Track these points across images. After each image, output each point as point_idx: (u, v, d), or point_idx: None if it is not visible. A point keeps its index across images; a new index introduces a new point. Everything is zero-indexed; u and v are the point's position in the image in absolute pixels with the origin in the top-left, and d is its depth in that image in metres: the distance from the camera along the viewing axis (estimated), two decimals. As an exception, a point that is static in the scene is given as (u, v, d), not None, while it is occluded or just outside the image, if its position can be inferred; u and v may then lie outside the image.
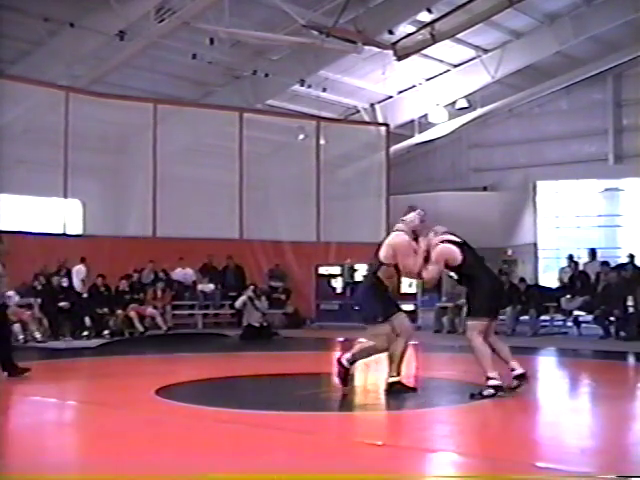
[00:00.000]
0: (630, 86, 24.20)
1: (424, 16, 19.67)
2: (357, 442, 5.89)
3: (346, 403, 7.94)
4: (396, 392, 7.96)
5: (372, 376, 9.61)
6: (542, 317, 16.94)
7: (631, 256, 17.98)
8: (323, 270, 19.36)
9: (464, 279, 8.05)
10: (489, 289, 7.91)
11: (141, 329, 16.50)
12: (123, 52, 18.53)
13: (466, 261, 7.89)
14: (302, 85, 22.03)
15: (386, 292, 8.14)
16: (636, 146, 23.83)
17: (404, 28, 20.21)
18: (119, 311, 16.54)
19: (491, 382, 7.54)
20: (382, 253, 8.00)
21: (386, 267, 7.99)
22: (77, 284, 16.87)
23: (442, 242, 7.96)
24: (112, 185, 20.00)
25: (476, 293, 7.91)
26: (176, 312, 18.36)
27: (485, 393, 7.49)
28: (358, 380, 9.08)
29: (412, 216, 8.14)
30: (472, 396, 7.50)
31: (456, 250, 7.92)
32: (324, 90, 23.09)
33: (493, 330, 8.08)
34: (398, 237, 8.03)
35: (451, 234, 8.12)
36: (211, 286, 19.08)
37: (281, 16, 18.21)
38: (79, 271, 17.07)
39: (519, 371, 7.77)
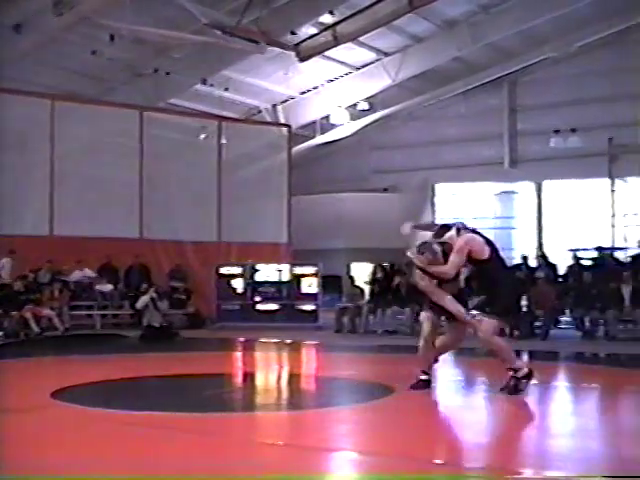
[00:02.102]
0: (524, 92, 24.93)
1: (327, 18, 19.84)
2: (259, 442, 5.92)
3: (248, 403, 7.95)
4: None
5: (272, 376, 9.64)
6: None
7: (524, 257, 18.58)
8: (224, 270, 19.27)
9: (485, 277, 7.89)
10: (514, 290, 8.04)
11: (37, 330, 16.09)
12: (19, 46, 18.03)
13: (492, 257, 7.77)
14: (204, 84, 21.88)
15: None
16: (530, 151, 24.59)
17: (307, 29, 20.34)
18: (14, 312, 16.09)
19: (520, 373, 7.66)
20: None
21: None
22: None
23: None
24: (8, 182, 19.41)
25: (501, 293, 7.82)
26: (74, 312, 17.97)
27: (521, 387, 7.63)
28: (259, 380, 9.09)
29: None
30: (503, 389, 7.65)
31: (483, 242, 7.79)
32: (226, 90, 23.01)
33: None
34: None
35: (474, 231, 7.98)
36: (109, 286, 18.77)
37: (184, 14, 18.04)
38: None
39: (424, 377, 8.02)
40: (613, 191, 19.50)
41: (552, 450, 5.77)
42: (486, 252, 7.72)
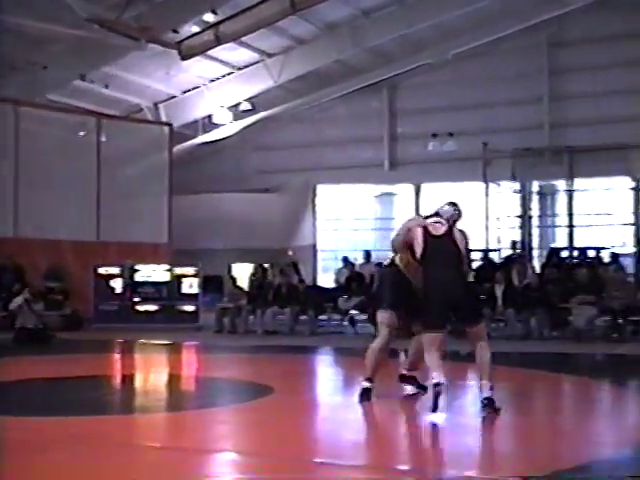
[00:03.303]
0: (404, 96, 25.45)
1: (209, 17, 19.74)
2: (137, 445, 5.86)
3: (126, 406, 7.85)
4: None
5: (152, 378, 9.55)
6: (320, 317, 17.47)
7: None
8: (103, 270, 18.92)
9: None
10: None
11: None
12: None
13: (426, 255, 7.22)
14: (84, 80, 21.39)
15: (401, 282, 7.54)
16: (409, 153, 25.12)
17: (190, 28, 20.19)
18: None
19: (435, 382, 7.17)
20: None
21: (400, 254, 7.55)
22: None
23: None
24: None
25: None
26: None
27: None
28: (138, 382, 8.99)
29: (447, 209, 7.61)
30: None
31: (421, 237, 7.24)
32: (107, 87, 22.57)
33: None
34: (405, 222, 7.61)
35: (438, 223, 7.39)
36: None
37: (62, 7, 17.58)
38: None
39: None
40: (487, 194, 20.15)
41: (428, 447, 5.95)
42: (420, 248, 7.40)
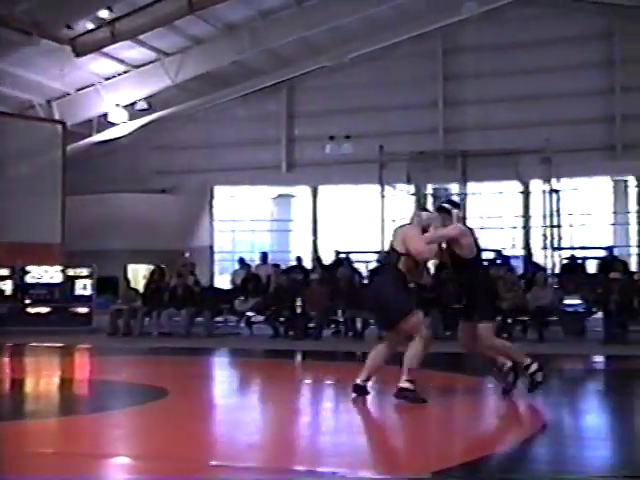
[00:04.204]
0: (302, 99, 25.63)
1: (105, 14, 19.42)
2: (29, 452, 5.72)
3: (17, 411, 7.65)
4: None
5: (43, 382, 9.35)
6: (216, 318, 17.40)
7: (299, 259, 19.11)
8: (-8, 271, 18.35)
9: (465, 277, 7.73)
10: (493, 290, 8.19)
11: None
12: None
13: (479, 255, 7.82)
14: (-28, 75, 20.75)
15: (408, 285, 7.65)
16: (307, 155, 25.28)
17: (85, 24, 19.81)
18: None
19: (531, 369, 7.61)
20: (398, 245, 7.57)
21: (405, 258, 7.51)
22: None
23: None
24: None
25: (484, 294, 7.68)
26: None
27: (537, 379, 7.61)
28: (29, 386, 8.78)
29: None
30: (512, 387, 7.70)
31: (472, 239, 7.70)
32: (-3, 82, 21.95)
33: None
34: (409, 229, 7.68)
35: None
36: None
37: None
38: None
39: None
40: (383, 197, 20.44)
41: (325, 447, 6.02)
42: (474, 248, 7.81)
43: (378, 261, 18.95)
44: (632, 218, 23.26)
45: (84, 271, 18.55)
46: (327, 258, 19.53)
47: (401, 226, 7.87)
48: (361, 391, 7.59)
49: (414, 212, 8.25)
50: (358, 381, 7.57)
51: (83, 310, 18.23)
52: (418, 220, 7.74)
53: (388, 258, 7.81)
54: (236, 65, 23.57)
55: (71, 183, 22.20)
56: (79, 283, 18.39)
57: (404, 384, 7.25)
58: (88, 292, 18.32)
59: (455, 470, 5.07)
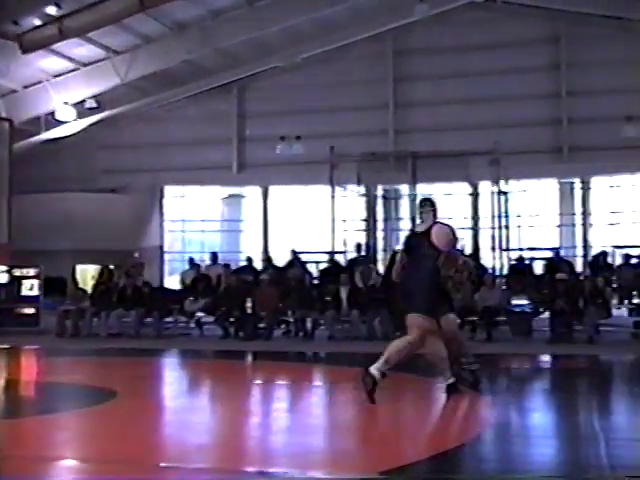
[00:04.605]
0: (253, 99, 25.56)
1: (53, 10, 19.15)
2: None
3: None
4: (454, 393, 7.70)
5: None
6: (166, 319, 17.27)
7: (249, 259, 19.08)
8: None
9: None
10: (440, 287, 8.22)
11: None
12: None
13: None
14: None
15: (441, 286, 7.94)
16: (257, 156, 25.20)
17: (32, 20, 19.51)
18: None
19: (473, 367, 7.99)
20: (435, 241, 7.69)
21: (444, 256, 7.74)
22: None
23: None
24: None
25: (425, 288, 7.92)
26: None
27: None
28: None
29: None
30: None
31: None
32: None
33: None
34: (441, 228, 7.86)
35: None
36: None
37: None
38: None
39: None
40: (333, 197, 20.50)
41: (275, 447, 6.04)
42: None
43: (331, 260, 19.05)
44: (578, 220, 23.64)
45: (31, 271, 18.30)
46: (279, 258, 19.53)
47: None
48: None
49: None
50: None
51: (30, 311, 17.97)
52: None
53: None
54: (187, 64, 23.40)
55: (18, 182, 21.89)
56: (26, 283, 18.13)
57: (374, 372, 7.27)
58: (35, 292, 18.08)
59: (403, 469, 5.12)
